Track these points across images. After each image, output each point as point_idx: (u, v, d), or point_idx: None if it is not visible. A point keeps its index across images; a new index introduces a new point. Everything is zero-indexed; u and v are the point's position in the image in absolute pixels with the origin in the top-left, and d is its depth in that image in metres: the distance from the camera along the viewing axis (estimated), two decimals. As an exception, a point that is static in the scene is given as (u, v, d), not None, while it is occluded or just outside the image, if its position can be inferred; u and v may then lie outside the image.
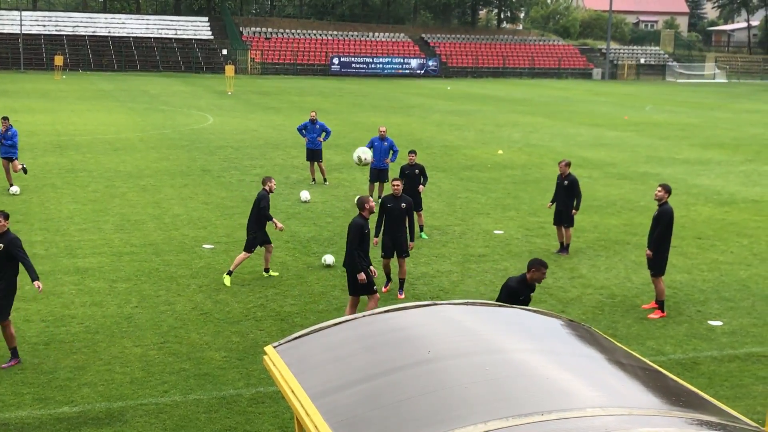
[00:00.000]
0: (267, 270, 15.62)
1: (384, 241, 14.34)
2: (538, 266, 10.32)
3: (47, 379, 10.82)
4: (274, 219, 15.42)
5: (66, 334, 12.37)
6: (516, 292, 10.17)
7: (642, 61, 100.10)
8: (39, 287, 11.16)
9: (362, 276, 12.48)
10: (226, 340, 12.34)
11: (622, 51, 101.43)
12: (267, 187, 15.42)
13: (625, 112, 51.57)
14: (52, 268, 15.60)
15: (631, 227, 20.13)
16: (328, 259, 16.30)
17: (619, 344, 6.51)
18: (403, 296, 14.51)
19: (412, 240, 14.51)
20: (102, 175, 24.99)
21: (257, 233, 15.30)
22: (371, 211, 12.88)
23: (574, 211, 17.46)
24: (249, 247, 15.34)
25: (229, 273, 15.17)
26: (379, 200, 16.14)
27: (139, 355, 11.69)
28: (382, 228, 14.31)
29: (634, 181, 26.69)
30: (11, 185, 22.36)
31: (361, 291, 12.65)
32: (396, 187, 14.38)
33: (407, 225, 14.36)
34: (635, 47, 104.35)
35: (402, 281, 14.64)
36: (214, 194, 22.79)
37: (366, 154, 15.57)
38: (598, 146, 34.80)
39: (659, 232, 13.86)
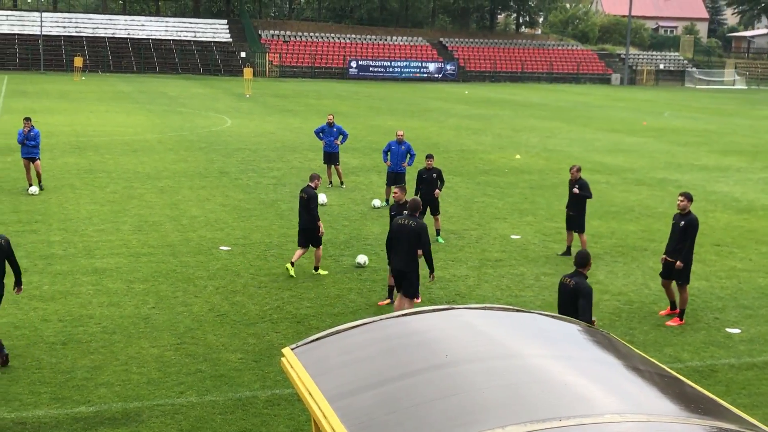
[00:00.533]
0: (293, 264, 15.81)
1: None
2: (589, 257, 10.45)
3: (64, 379, 10.87)
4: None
5: (83, 334, 12.43)
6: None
7: (661, 66, 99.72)
8: None
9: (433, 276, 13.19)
10: (242, 342, 12.37)
11: (641, 56, 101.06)
12: (314, 184, 15.69)
13: (644, 117, 51.38)
14: (70, 268, 15.69)
15: (649, 233, 20.03)
16: (363, 259, 16.42)
17: (636, 350, 6.48)
18: (419, 300, 14.48)
19: None
20: (120, 176, 25.12)
21: (313, 227, 15.65)
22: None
23: (576, 190, 17.39)
24: (318, 242, 15.77)
25: (316, 269, 15.87)
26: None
27: (155, 356, 11.73)
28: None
29: (653, 187, 26.58)
30: (30, 185, 22.50)
31: (413, 293, 12.81)
32: (395, 195, 14.40)
33: None
34: (654, 53, 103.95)
35: (390, 289, 14.48)
36: (232, 196, 22.86)
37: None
38: (616, 152, 34.68)
39: (690, 243, 13.74)
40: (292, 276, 15.64)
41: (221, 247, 17.55)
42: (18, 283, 11.62)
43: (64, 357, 11.58)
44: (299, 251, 15.72)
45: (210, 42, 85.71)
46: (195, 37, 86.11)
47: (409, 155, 21.71)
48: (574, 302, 10.13)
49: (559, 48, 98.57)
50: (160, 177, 25.27)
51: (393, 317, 6.42)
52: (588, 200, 17.66)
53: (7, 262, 11.35)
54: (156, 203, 21.58)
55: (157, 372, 11.20)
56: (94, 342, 12.16)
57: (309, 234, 15.66)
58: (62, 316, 13.17)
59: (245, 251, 17.34)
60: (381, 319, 6.39)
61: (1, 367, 11.12)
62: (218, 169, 27.16)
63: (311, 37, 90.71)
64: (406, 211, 14.00)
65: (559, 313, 10.05)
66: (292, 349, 6.23)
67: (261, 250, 17.50)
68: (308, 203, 15.49)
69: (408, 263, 12.62)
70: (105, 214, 20.14)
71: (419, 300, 14.29)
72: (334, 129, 25.03)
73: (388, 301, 14.36)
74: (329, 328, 6.54)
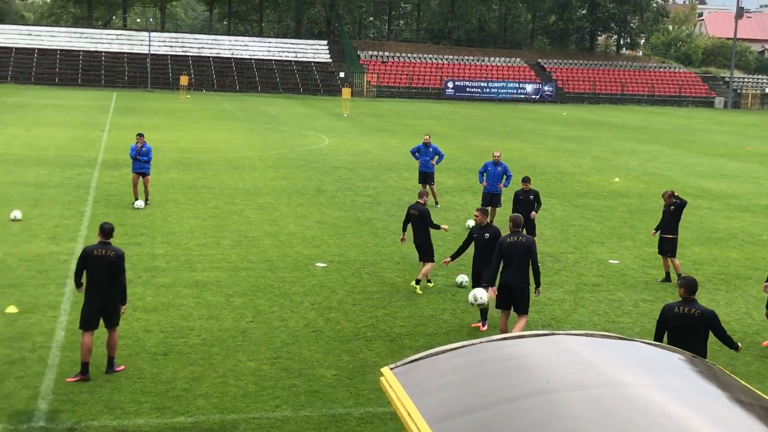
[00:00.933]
0: (429, 280, 16.50)
1: (474, 272, 14.26)
2: (697, 282, 10.54)
3: (165, 389, 11.17)
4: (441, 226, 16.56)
5: (184, 346, 12.75)
6: None
7: (767, 90, 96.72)
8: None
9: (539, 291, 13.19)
10: (336, 359, 12.49)
11: (746, 80, 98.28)
12: (423, 201, 16.36)
13: (749, 142, 49.89)
14: (172, 281, 16.12)
15: (753, 261, 19.43)
16: (464, 278, 16.47)
17: (740, 381, 6.30)
18: (485, 328, 14.17)
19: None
20: (222, 192, 25.71)
21: (426, 243, 16.15)
22: None
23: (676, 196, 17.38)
24: (429, 257, 16.15)
25: (417, 282, 16.17)
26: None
27: (252, 369, 11.94)
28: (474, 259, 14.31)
29: (757, 213, 25.78)
30: (136, 199, 23.20)
31: (527, 310, 12.97)
32: (477, 218, 14.32)
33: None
34: (760, 76, 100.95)
35: (484, 312, 14.16)
36: (328, 214, 23.13)
37: (480, 297, 14.01)
38: (718, 177, 33.78)
39: None
40: (429, 284, 16.42)
41: (317, 264, 17.78)
42: (122, 301, 11.72)
43: (164, 367, 11.89)
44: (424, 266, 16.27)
45: (310, 62, 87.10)
46: (296, 57, 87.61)
47: (505, 176, 21.61)
48: (703, 331, 10.20)
49: (661, 70, 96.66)
50: (260, 194, 25.77)
51: (492, 341, 6.39)
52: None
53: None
54: (255, 219, 22.01)
55: (253, 385, 11.40)
56: (193, 353, 12.46)
57: (422, 249, 16.13)
58: (164, 327, 13.54)
59: (340, 268, 17.52)
60: (480, 342, 6.38)
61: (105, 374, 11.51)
62: (316, 186, 27.54)
63: (409, 57, 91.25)
64: (486, 231, 14.00)
65: (680, 343, 9.54)
66: (391, 369, 6.26)
67: (356, 267, 17.66)
68: (423, 218, 16.03)
69: (522, 278, 12.78)
70: (206, 229, 20.64)
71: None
72: (430, 149, 25.12)
73: (482, 323, 14.24)
74: (424, 349, 6.56)
